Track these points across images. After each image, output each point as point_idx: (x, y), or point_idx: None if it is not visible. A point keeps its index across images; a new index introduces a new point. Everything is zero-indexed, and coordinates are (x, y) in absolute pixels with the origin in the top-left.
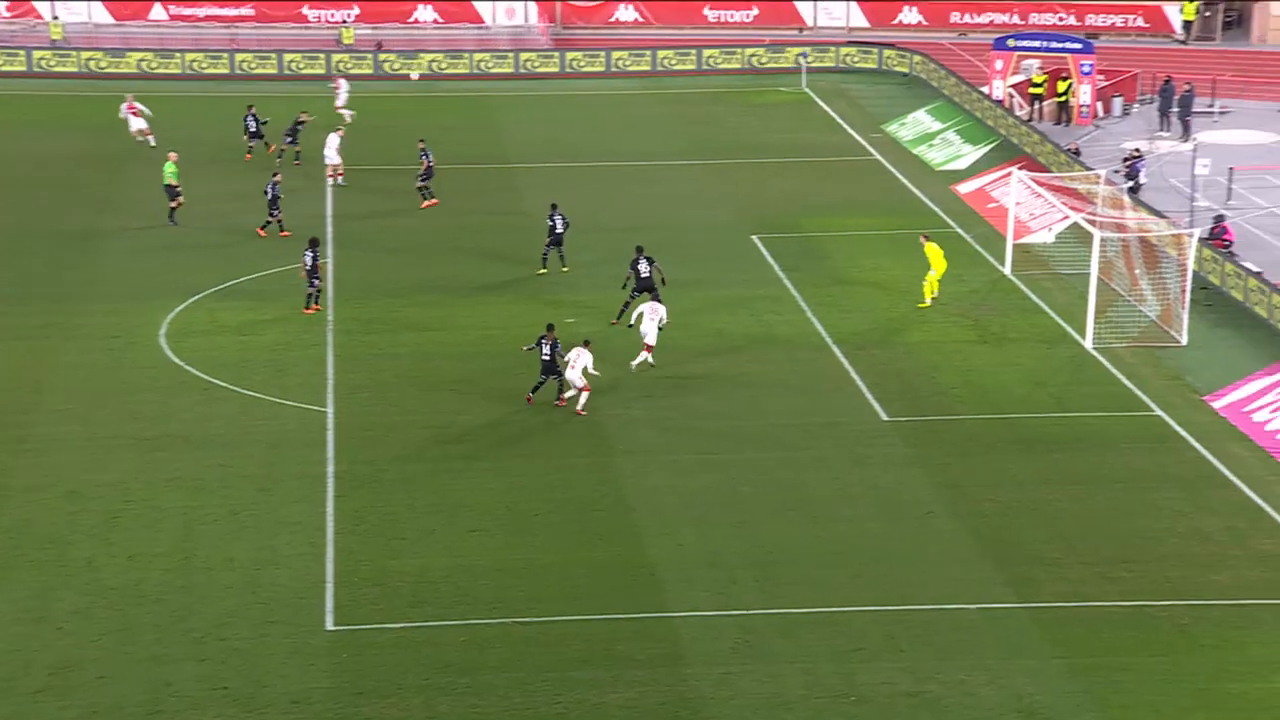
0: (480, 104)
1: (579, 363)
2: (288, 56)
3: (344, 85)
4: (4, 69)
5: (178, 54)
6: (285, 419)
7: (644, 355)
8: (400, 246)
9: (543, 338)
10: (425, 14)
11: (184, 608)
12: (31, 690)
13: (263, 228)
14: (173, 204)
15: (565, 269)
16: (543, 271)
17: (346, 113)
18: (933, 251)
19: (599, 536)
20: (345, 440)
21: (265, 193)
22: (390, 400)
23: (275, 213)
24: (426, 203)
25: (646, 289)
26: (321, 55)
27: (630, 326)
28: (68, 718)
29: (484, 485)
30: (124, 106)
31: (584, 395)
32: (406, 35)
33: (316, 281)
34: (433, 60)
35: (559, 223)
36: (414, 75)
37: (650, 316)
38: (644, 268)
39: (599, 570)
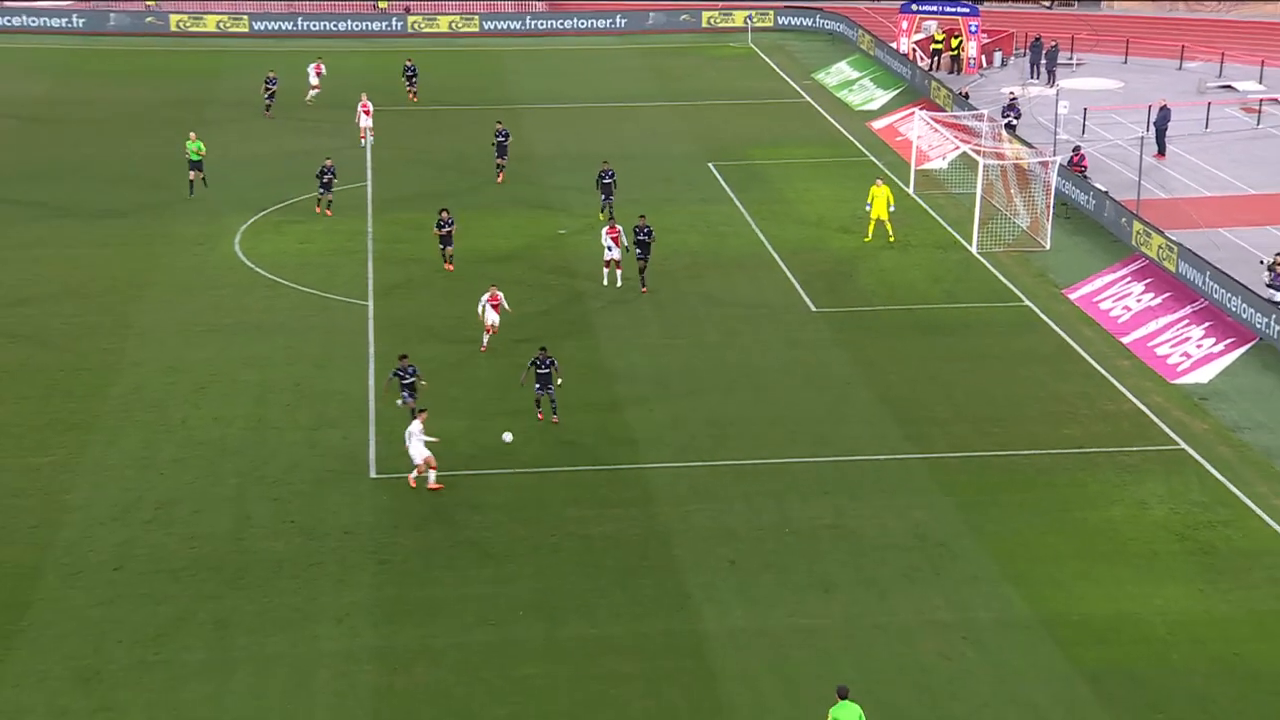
0: (491, 57)
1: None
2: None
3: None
4: (112, 30)
5: (246, 16)
6: (335, 311)
7: (426, 474)
8: (425, 175)
9: (539, 358)
10: None
11: (259, 459)
12: (142, 520)
13: (320, 205)
14: (196, 177)
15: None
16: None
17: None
18: (878, 195)
19: (585, 404)
20: (383, 327)
21: (319, 175)
22: (419, 296)
23: (325, 192)
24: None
25: (608, 194)
26: (365, 19)
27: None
28: (170, 542)
29: (494, 364)
30: (311, 68)
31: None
32: (429, 0)
33: (449, 248)
34: (451, 21)
35: (607, 177)
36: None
37: (418, 438)
38: (607, 180)
39: (585, 431)
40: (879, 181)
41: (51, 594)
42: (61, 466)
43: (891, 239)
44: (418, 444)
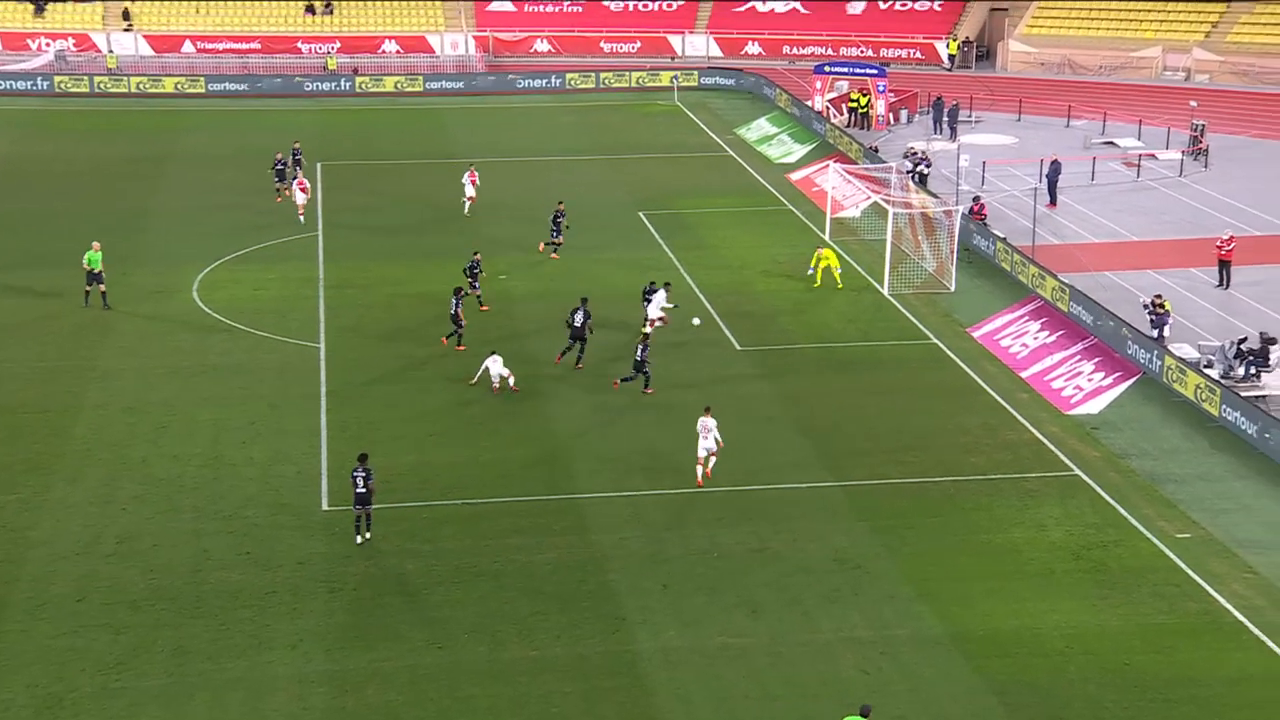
0: (434, 114)
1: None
2: (293, 80)
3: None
4: (71, 90)
5: (202, 78)
6: (288, 353)
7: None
8: (372, 224)
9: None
10: (390, 46)
11: (216, 494)
12: (104, 554)
13: (466, 296)
14: (94, 288)
15: (580, 367)
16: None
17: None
18: (827, 256)
19: (527, 438)
20: (334, 368)
21: (466, 270)
22: (367, 338)
23: (474, 286)
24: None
25: (578, 338)
26: (316, 80)
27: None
28: (130, 575)
29: (439, 400)
30: (466, 176)
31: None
32: (376, 62)
33: (462, 324)
34: (397, 81)
35: (579, 318)
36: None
37: (704, 436)
38: (578, 318)
39: (527, 464)
40: (820, 249)
41: (16, 625)
42: (26, 504)
43: (839, 286)
44: (710, 440)
